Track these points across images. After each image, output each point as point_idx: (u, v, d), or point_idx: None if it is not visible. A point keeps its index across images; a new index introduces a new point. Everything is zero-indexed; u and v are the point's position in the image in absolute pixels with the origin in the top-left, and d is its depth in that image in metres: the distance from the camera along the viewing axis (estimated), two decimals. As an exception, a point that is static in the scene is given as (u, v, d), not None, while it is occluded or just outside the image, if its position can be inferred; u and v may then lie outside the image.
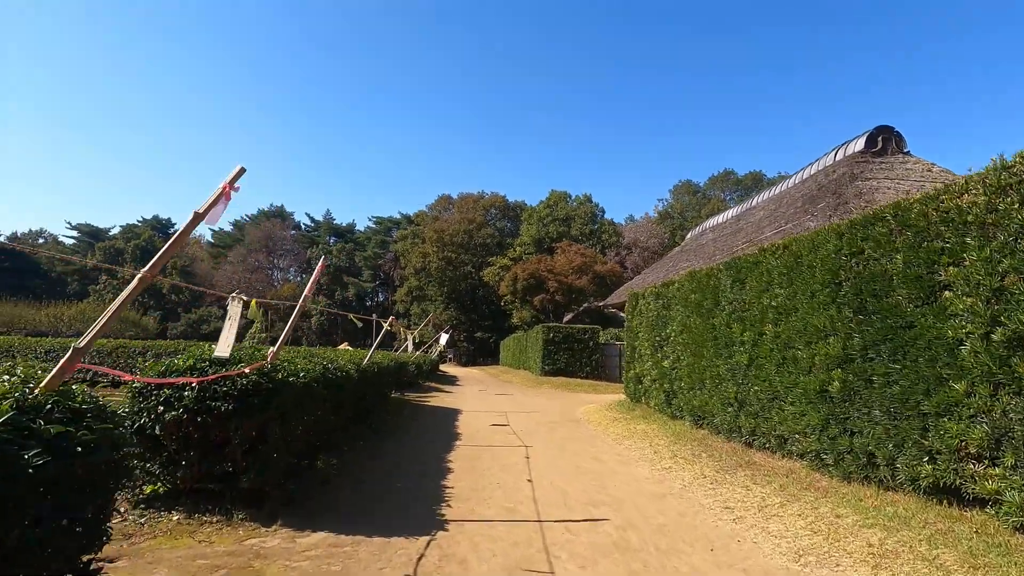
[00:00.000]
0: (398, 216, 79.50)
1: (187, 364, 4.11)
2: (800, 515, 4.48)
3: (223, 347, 4.03)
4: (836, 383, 5.12)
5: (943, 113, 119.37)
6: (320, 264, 4.48)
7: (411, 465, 6.48)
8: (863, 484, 4.87)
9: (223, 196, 2.78)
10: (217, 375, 3.92)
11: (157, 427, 3.89)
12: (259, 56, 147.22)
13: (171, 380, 3.85)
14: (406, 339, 13.15)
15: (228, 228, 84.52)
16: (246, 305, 4.28)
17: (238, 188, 2.82)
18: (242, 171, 2.84)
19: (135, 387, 3.99)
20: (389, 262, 76.95)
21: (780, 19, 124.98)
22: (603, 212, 58.88)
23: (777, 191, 18.34)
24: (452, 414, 11.80)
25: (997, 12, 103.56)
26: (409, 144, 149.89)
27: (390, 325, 9.63)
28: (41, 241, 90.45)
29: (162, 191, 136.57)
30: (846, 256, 5.23)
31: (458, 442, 8.33)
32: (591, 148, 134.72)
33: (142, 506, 4.09)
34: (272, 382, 4.22)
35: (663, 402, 9.75)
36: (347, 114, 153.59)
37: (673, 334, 9.35)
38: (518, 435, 9.14)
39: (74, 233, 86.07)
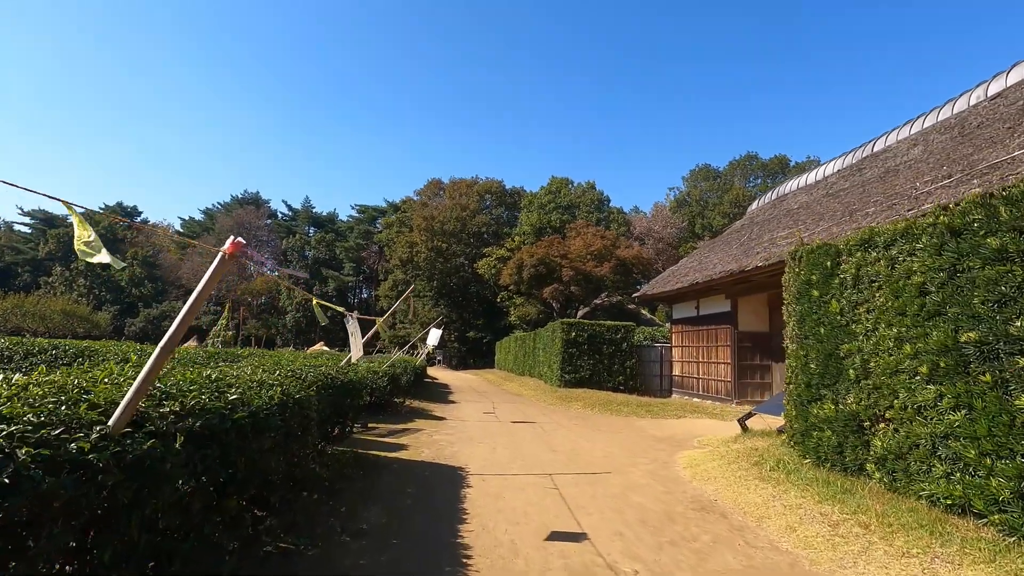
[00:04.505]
0: (383, 204, 72.95)
1: None
2: None
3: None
4: None
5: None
6: None
7: None
8: None
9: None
10: None
11: None
12: (232, 31, 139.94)
13: None
14: (358, 334, 6.97)
15: (198, 216, 77.40)
16: None
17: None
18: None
19: None
20: (373, 254, 70.45)
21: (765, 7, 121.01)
22: (609, 200, 52.93)
23: (918, 129, 12.55)
24: (448, 491, 5.70)
25: None
26: (397, 128, 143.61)
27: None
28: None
29: (128, 176, 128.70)
30: None
31: None
32: (591, 137, 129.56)
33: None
34: None
35: (1010, 502, 3.72)
36: (330, 94, 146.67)
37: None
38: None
39: (27, 220, 78.23)
